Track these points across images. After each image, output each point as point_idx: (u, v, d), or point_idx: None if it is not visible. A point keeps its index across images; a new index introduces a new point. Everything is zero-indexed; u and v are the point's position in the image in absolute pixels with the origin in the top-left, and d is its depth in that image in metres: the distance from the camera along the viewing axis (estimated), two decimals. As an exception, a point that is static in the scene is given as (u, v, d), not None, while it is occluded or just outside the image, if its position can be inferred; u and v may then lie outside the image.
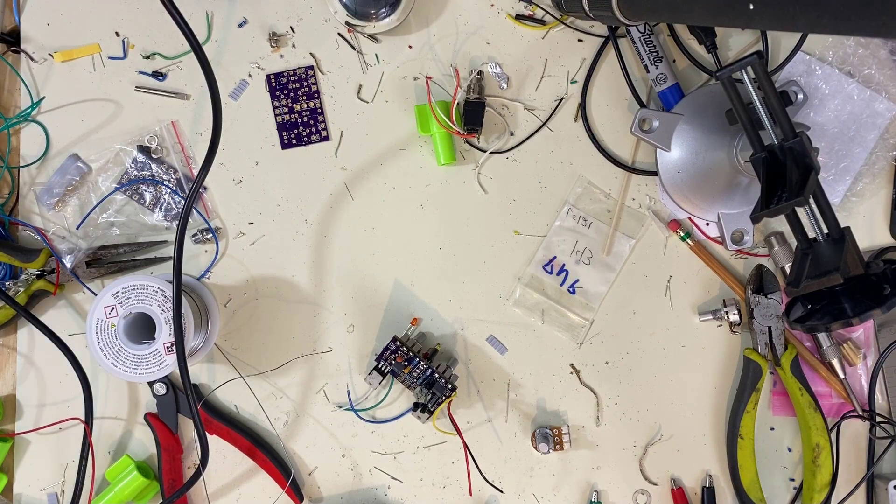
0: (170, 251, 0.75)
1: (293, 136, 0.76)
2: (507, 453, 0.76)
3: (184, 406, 0.74)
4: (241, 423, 0.76)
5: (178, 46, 0.75)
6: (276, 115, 0.75)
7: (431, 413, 0.70)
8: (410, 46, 0.76)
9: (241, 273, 0.76)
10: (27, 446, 0.75)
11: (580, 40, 0.76)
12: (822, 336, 0.74)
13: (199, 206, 0.75)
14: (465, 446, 0.72)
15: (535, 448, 0.74)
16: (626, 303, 0.76)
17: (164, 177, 0.75)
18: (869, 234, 0.76)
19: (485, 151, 0.76)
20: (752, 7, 0.43)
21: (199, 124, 0.76)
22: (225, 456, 0.76)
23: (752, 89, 0.61)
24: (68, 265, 0.73)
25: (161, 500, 0.75)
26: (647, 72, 0.74)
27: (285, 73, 0.75)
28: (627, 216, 0.76)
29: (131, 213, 0.75)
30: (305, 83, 0.75)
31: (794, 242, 0.64)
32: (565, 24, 0.75)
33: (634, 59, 0.75)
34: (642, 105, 0.75)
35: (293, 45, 0.76)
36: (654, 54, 0.73)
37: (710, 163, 0.70)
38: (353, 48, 0.76)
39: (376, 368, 0.71)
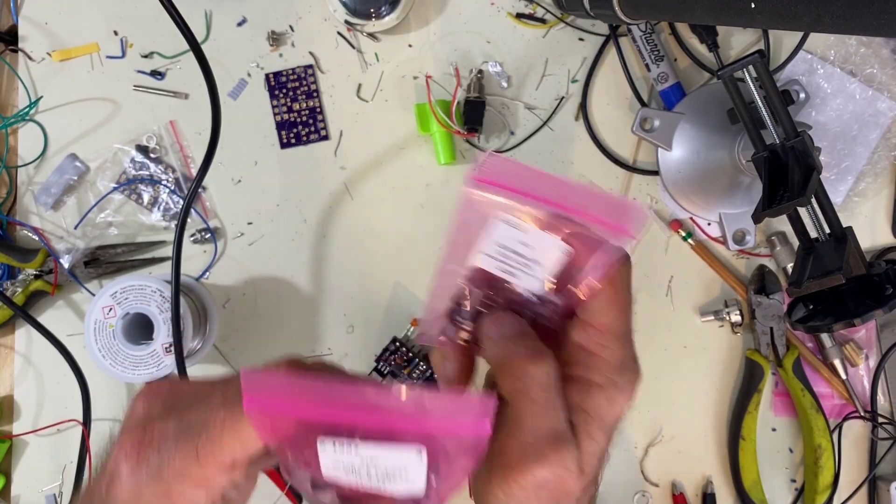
0: (168, 251, 0.75)
1: (292, 135, 0.75)
2: (508, 454, 0.75)
3: (182, 407, 0.74)
4: (240, 423, 0.75)
5: (177, 45, 0.75)
6: (275, 115, 0.75)
7: (431, 414, 0.70)
8: (410, 45, 0.76)
9: (239, 273, 0.75)
10: (25, 447, 0.75)
11: (581, 39, 0.76)
12: (824, 337, 0.74)
13: (197, 205, 0.74)
14: (465, 447, 0.72)
15: (536, 449, 0.74)
16: (626, 303, 0.76)
17: (163, 176, 0.75)
18: (871, 233, 0.75)
19: (485, 151, 0.75)
20: (753, 6, 0.43)
21: (197, 123, 0.75)
22: (224, 457, 0.75)
23: (753, 88, 0.61)
24: (66, 265, 0.73)
25: (160, 501, 0.74)
26: (649, 71, 0.73)
27: (284, 72, 0.75)
28: (628, 216, 0.76)
29: (129, 213, 0.75)
30: (304, 82, 0.75)
31: (795, 242, 0.64)
32: (566, 23, 0.75)
33: (635, 57, 0.75)
34: (643, 104, 0.74)
35: (292, 44, 0.75)
36: (656, 53, 0.73)
37: (712, 162, 0.70)
38: (353, 47, 0.75)
39: (376, 369, 0.71)
